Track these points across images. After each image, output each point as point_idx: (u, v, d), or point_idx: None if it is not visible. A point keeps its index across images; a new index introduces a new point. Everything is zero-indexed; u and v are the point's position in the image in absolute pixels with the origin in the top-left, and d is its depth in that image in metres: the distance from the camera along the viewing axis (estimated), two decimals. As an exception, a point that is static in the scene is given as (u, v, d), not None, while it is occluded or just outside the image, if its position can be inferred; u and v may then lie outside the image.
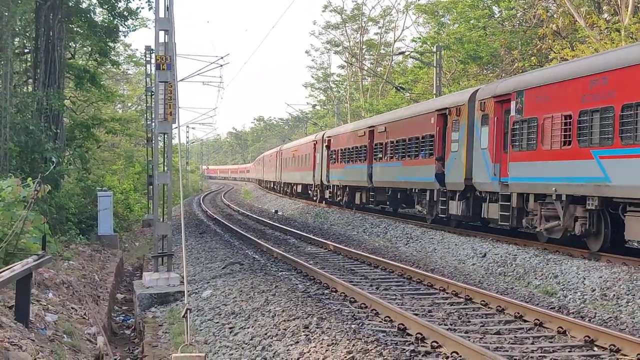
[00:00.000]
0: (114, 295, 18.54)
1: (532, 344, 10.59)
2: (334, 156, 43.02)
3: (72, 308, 13.90)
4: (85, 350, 11.53)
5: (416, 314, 12.13)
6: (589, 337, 10.45)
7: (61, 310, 13.17)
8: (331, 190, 43.95)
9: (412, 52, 57.64)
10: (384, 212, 36.59)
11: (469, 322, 12.06)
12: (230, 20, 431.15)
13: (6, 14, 24.15)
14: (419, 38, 60.87)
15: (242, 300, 14.05)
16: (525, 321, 11.91)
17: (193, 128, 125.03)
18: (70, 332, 11.90)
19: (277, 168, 67.80)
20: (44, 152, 23.87)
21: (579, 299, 14.39)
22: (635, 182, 15.65)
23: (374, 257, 19.90)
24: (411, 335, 10.83)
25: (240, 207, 53.02)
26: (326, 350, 9.78)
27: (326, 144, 45.19)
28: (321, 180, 45.49)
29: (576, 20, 40.05)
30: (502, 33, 50.59)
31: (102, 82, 36.01)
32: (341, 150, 41.35)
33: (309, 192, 50.94)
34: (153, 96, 28.13)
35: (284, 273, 17.76)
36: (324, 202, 45.87)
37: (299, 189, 55.39)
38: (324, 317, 11.71)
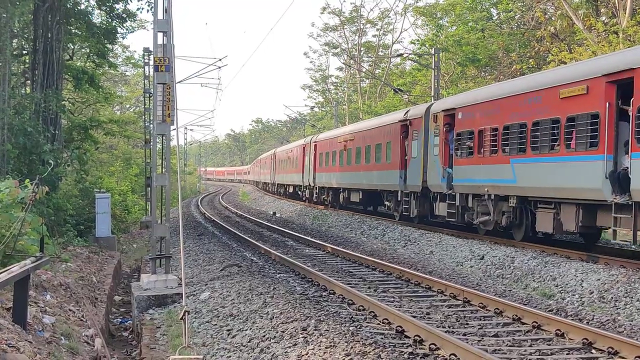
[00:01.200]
0: (111, 297, 18.52)
1: (530, 346, 10.59)
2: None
3: (70, 310, 13.88)
4: (83, 352, 11.51)
5: (414, 316, 12.13)
6: (587, 340, 10.45)
7: (59, 312, 13.15)
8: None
9: (410, 54, 57.65)
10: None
11: (467, 324, 12.06)
12: (229, 22, 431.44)
13: (4, 15, 24.13)
14: (417, 40, 60.95)
15: (240, 303, 14.04)
16: (523, 323, 11.90)
17: (191, 130, 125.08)
18: (67, 334, 11.88)
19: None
20: (42, 153, 23.85)
21: (577, 301, 14.39)
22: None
23: (372, 259, 19.90)
24: (409, 338, 10.82)
25: (238, 209, 53.03)
26: (324, 353, 9.77)
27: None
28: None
29: (574, 23, 40.08)
30: (500, 35, 50.63)
31: (100, 84, 36.00)
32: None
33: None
34: (151, 98, 28.14)
35: (282, 275, 17.75)
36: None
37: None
38: (322, 319, 11.71)
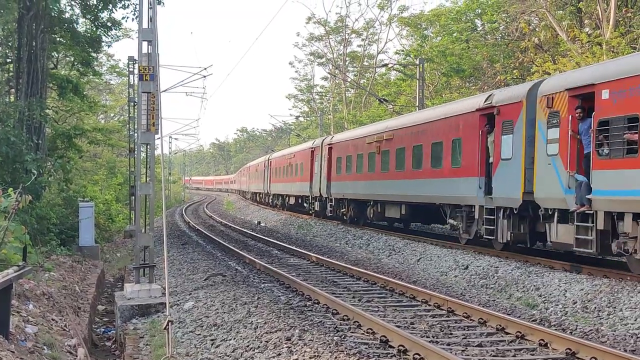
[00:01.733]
0: (94, 306, 18.43)
1: (514, 356, 10.61)
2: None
3: (53, 319, 13.81)
4: (66, 362, 11.45)
5: (398, 326, 12.13)
6: (571, 350, 10.48)
7: (41, 322, 13.08)
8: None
9: (395, 64, 57.83)
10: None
11: (451, 334, 12.07)
12: (214, 31, 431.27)
13: (-12, 23, 24.07)
14: (402, 50, 61.20)
15: (224, 312, 14.01)
16: (507, 333, 11.93)
17: (176, 139, 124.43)
18: (50, 343, 11.82)
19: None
20: (25, 162, 23.74)
21: (561, 311, 14.44)
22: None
23: (357, 268, 19.91)
24: (393, 348, 10.82)
25: (222, 218, 52.94)
26: (308, 363, 9.76)
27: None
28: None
29: (558, 34, 40.33)
30: (484, 46, 50.86)
31: (84, 92, 35.90)
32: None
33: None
34: (136, 106, 28.08)
35: (266, 285, 17.73)
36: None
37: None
38: (306, 329, 11.69)
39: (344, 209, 36.82)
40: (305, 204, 45.94)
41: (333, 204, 38.44)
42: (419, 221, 32.64)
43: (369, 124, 44.50)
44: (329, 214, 39.21)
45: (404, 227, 32.99)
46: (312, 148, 43.80)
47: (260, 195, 68.76)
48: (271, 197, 59.89)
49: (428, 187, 25.58)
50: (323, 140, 41.85)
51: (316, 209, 41.71)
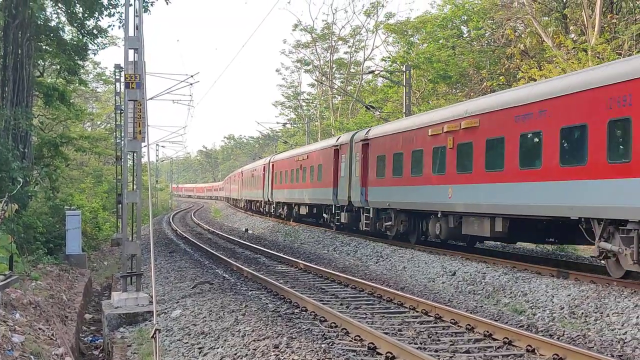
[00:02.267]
0: (82, 315, 18.37)
1: (502, 362, 10.63)
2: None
3: (40, 329, 13.75)
4: (53, 372, 11.40)
5: (386, 333, 12.13)
6: (558, 355, 10.51)
7: (28, 331, 13.02)
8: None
9: (381, 71, 57.90)
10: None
11: (439, 340, 12.08)
12: (201, 38, 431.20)
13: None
14: (389, 57, 61.35)
15: (212, 320, 13.98)
16: (494, 339, 11.95)
17: (163, 146, 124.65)
18: (37, 353, 11.77)
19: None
20: (11, 171, 23.67)
21: (548, 317, 14.47)
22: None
23: (344, 275, 19.90)
24: (381, 355, 10.83)
25: (210, 225, 52.84)
26: (296, 370, 9.75)
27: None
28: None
29: (543, 40, 40.53)
30: (470, 53, 51.04)
31: (71, 100, 35.83)
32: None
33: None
34: (122, 114, 28.03)
35: (254, 292, 17.70)
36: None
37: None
38: (294, 336, 11.68)
39: (389, 222, 28.90)
40: (324, 214, 38.48)
41: (371, 215, 30.67)
42: (525, 240, 24.62)
43: (426, 112, 34.12)
44: (365, 229, 31.43)
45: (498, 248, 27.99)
46: (335, 146, 36.09)
47: (257, 204, 61.76)
48: (273, 205, 52.89)
49: (559, 193, 17.68)
50: (353, 135, 34.04)
51: (342, 220, 34.49)
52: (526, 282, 17.16)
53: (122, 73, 25.74)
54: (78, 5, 30.42)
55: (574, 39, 39.02)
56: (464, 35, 54.94)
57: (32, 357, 11.46)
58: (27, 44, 27.21)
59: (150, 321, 15.06)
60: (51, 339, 13.51)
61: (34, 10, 26.70)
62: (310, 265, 22.98)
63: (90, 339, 17.10)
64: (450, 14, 53.88)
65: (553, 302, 15.26)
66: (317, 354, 10.37)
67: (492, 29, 50.13)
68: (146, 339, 13.40)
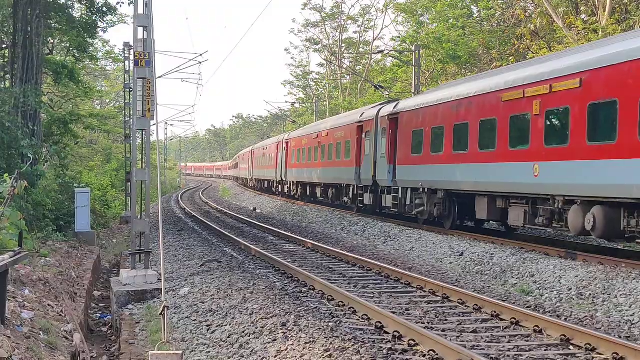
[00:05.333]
0: (90, 292, 18.45)
1: (509, 342, 10.65)
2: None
3: (49, 305, 13.83)
4: (62, 348, 11.47)
5: (393, 312, 12.16)
6: (565, 336, 10.53)
7: (37, 307, 13.10)
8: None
9: (391, 51, 57.74)
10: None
11: (446, 320, 12.11)
12: (210, 17, 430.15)
13: (-17, 9, 23.99)
14: (398, 37, 61.08)
15: (220, 298, 14.03)
16: (501, 320, 11.97)
17: (172, 125, 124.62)
18: (46, 329, 11.84)
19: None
20: (21, 148, 23.72)
21: (555, 298, 14.48)
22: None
23: (352, 255, 19.94)
24: (388, 334, 10.86)
25: (218, 204, 52.91)
26: (303, 349, 9.79)
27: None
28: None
29: (554, 21, 40.29)
30: (480, 33, 50.77)
31: (80, 78, 35.83)
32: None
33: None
34: (131, 92, 28.04)
35: (262, 271, 17.75)
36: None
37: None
38: (301, 315, 11.72)
39: (435, 205, 25.19)
40: (345, 197, 36.38)
41: (400, 196, 27.98)
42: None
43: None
44: (393, 210, 29.26)
45: None
46: (359, 122, 33.53)
47: (268, 184, 60.24)
48: (287, 185, 50.62)
49: None
50: (379, 110, 31.31)
51: (366, 202, 32.44)
52: (534, 263, 17.17)
53: (132, 51, 25.73)
54: (87, -17, 30.42)
55: (585, 19, 38.77)
56: (474, 15, 54.64)
57: (41, 333, 11.53)
58: (36, 22, 27.17)
59: (158, 298, 15.12)
60: (60, 315, 13.59)
61: (43, -12, 26.70)
62: (318, 244, 23.02)
63: (99, 315, 17.18)
64: (461, -6, 53.58)
65: (561, 283, 15.27)
66: (325, 333, 10.42)
67: (502, 9, 49.83)
68: (154, 316, 13.46)
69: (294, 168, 47.84)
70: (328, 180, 38.95)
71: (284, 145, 50.92)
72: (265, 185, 60.05)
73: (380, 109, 31.37)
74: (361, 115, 33.85)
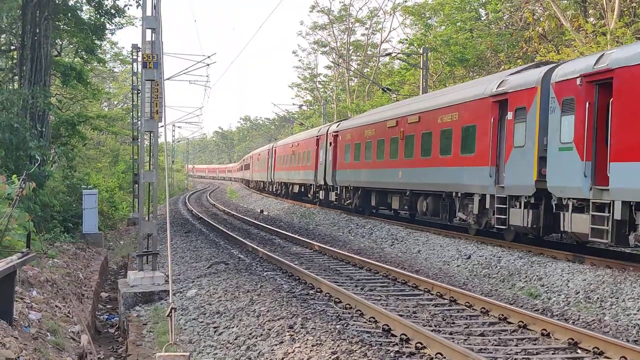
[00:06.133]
0: (98, 293, 18.48)
1: (516, 345, 10.63)
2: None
3: (56, 306, 13.85)
4: (69, 349, 11.48)
5: (401, 315, 12.15)
6: (573, 340, 10.50)
7: (45, 308, 13.12)
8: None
9: (398, 53, 57.71)
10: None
11: (454, 323, 12.09)
12: (218, 19, 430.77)
13: (-8, 10, 24.05)
14: (406, 40, 61.02)
15: (227, 300, 14.04)
16: (509, 323, 11.94)
17: (179, 127, 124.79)
18: (54, 330, 11.85)
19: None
20: (29, 149, 23.78)
21: (563, 301, 14.45)
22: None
23: (359, 257, 19.92)
24: (396, 336, 10.85)
25: (225, 206, 52.94)
26: (310, 351, 9.78)
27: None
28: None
29: (562, 24, 40.23)
30: (488, 35, 50.72)
31: (88, 80, 35.90)
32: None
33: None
34: (139, 94, 28.09)
35: (269, 273, 17.75)
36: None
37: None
38: (308, 317, 11.72)
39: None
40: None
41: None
42: None
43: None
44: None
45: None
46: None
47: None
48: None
49: None
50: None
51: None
52: (541, 267, 17.13)
53: (140, 53, 25.77)
54: (96, -15, 30.46)
55: (593, 22, 38.70)
56: (482, 18, 54.59)
57: (48, 334, 11.54)
58: (45, 24, 27.23)
59: (165, 300, 15.15)
60: (67, 316, 13.60)
61: (52, -10, 26.76)
62: (325, 247, 23.01)
63: (106, 317, 17.20)
64: (469, -4, 53.56)
65: (568, 287, 15.24)
66: (332, 335, 10.41)
67: (510, 11, 49.76)
68: (162, 318, 13.48)
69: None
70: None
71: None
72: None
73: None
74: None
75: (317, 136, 42.68)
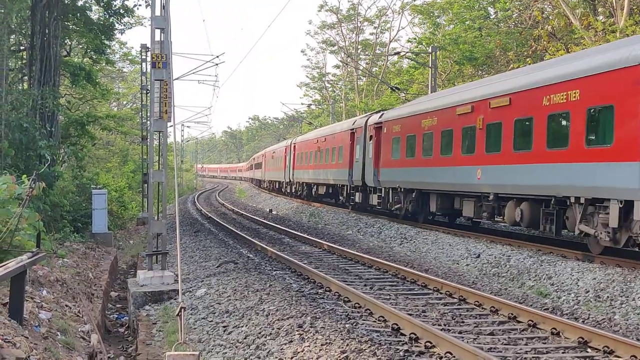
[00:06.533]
0: (108, 293, 18.53)
1: (526, 344, 10.61)
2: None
3: (66, 305, 13.89)
4: (79, 348, 11.52)
5: (410, 314, 12.14)
6: (583, 339, 10.47)
7: (55, 308, 13.16)
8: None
9: (407, 52, 57.63)
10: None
11: (463, 322, 12.07)
12: (226, 19, 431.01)
13: (2, 11, 24.16)
14: (415, 38, 60.94)
15: (236, 299, 14.05)
16: (519, 322, 11.92)
17: (188, 127, 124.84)
18: (64, 329, 11.89)
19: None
20: (38, 149, 23.86)
21: (573, 300, 14.42)
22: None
23: (368, 256, 19.90)
24: (405, 335, 10.83)
25: (234, 206, 52.99)
26: (320, 350, 9.78)
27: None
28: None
29: (571, 22, 40.12)
30: (497, 34, 50.63)
31: (97, 80, 36.00)
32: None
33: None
34: (148, 94, 28.15)
35: (278, 272, 17.76)
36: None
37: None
38: (318, 316, 11.72)
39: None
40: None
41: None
42: None
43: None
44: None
45: None
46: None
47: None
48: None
49: None
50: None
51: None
52: (551, 265, 17.10)
53: (149, 53, 25.82)
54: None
55: (603, 20, 38.58)
56: (491, 17, 54.49)
57: (58, 333, 11.58)
58: (54, 24, 27.32)
59: (175, 299, 15.17)
60: (77, 315, 13.64)
61: (61, -10, 26.85)
62: (334, 246, 23.00)
63: (116, 316, 17.25)
64: (477, -5, 53.46)
65: (578, 286, 15.20)
66: (341, 334, 10.41)
67: (519, 10, 49.67)
68: (171, 317, 13.50)
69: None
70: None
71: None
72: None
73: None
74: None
75: (352, 129, 36.44)
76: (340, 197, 39.44)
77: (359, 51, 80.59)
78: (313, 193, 46.87)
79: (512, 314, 12.20)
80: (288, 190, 56.03)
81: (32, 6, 27.03)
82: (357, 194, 35.50)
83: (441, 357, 9.72)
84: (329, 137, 41.89)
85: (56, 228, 23.19)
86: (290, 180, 54.47)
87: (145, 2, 30.47)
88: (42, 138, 24.25)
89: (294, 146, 53.44)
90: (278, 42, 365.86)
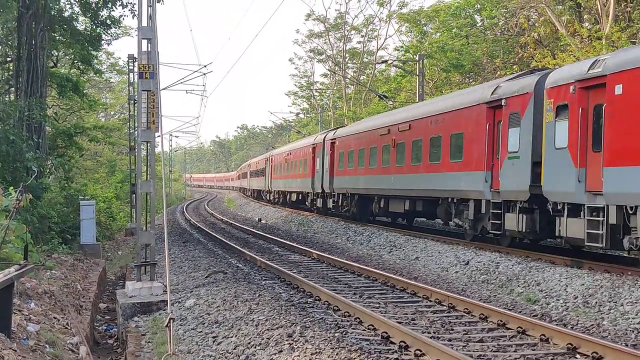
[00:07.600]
0: (96, 304, 18.45)
1: (515, 351, 10.63)
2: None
3: (55, 318, 13.83)
4: (68, 360, 11.46)
5: (399, 322, 12.14)
6: (572, 345, 10.50)
7: (43, 320, 13.10)
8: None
9: (394, 60, 57.76)
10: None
11: (452, 330, 12.09)
12: (214, 28, 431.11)
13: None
14: (402, 47, 61.12)
15: (226, 310, 14.02)
16: (508, 329, 11.95)
17: (176, 136, 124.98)
18: (52, 342, 11.83)
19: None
20: (25, 161, 23.75)
21: (562, 306, 14.45)
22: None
23: (358, 265, 19.91)
24: (395, 344, 10.84)
25: (223, 215, 52.94)
26: (310, 359, 9.77)
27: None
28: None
29: (557, 29, 40.32)
30: (484, 42, 50.81)
31: (84, 91, 35.89)
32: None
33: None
34: (136, 105, 28.09)
35: (267, 282, 17.74)
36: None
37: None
38: (307, 325, 11.71)
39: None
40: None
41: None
42: None
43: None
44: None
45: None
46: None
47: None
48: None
49: None
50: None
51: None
52: (540, 272, 17.13)
53: (136, 64, 25.79)
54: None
55: (588, 27, 38.78)
56: (478, 24, 54.69)
57: (47, 346, 11.53)
58: (41, 35, 27.22)
59: (164, 310, 15.13)
60: (66, 328, 13.58)
61: (47, 1, 26.74)
62: (323, 254, 23.00)
63: (105, 328, 17.19)
64: (464, 3, 53.61)
65: (567, 292, 15.24)
66: (331, 343, 10.40)
67: (505, 17, 49.88)
68: (160, 328, 13.47)
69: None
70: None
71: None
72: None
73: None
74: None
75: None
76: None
77: (346, 59, 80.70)
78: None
79: (501, 320, 12.23)
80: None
81: (19, 17, 26.94)
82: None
83: (431, 365, 9.73)
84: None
85: (44, 240, 23.07)
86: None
87: (132, 12, 30.45)
88: (29, 150, 24.13)
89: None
90: (266, 51, 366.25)
